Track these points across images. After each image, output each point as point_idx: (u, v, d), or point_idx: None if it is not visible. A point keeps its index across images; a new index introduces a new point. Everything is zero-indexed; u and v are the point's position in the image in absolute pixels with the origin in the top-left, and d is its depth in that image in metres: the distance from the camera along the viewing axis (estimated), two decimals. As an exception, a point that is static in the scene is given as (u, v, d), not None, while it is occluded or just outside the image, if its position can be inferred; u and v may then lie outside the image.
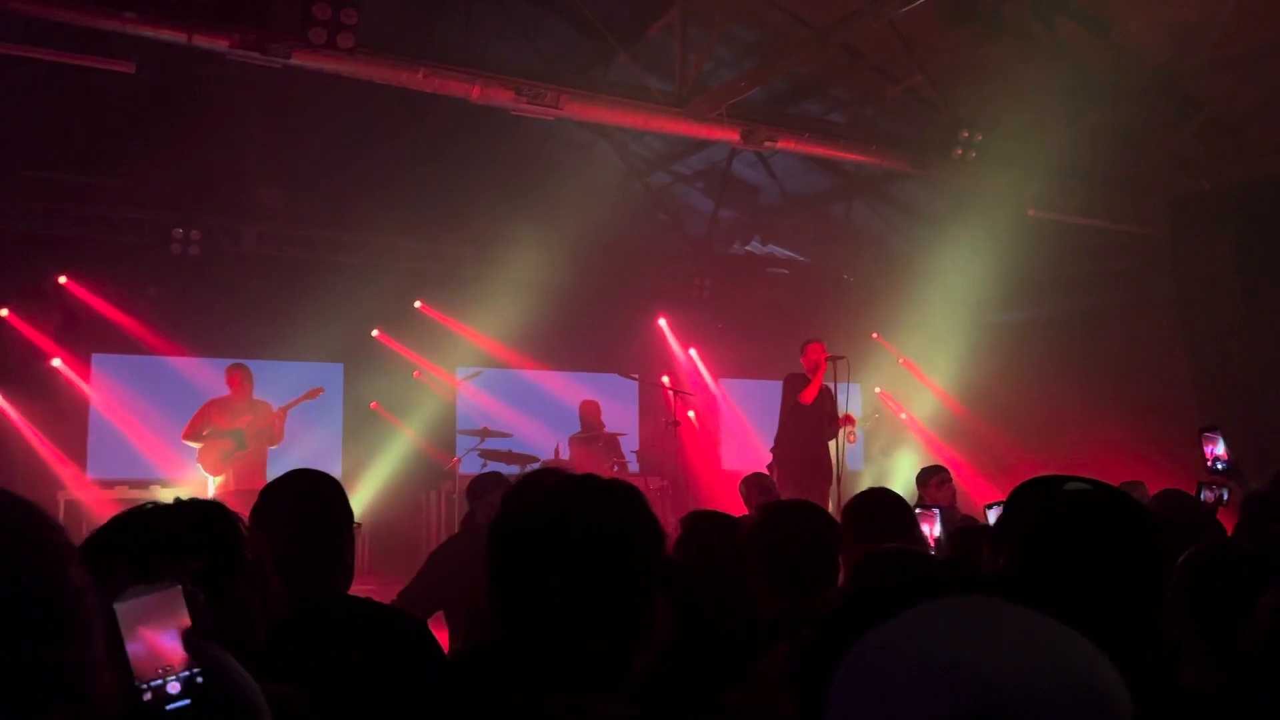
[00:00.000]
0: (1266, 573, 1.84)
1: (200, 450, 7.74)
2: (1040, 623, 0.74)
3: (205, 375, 8.80)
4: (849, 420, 7.70)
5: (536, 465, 8.70)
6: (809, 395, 7.61)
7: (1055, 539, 1.42)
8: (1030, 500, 1.52)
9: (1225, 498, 3.80)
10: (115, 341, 9.09)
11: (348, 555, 2.39)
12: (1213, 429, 3.87)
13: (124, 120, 8.20)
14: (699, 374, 11.91)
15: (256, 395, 8.14)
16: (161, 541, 1.56)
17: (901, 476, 10.62)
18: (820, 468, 7.62)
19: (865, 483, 10.93)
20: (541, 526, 1.38)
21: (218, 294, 9.29)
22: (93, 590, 0.93)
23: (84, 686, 0.90)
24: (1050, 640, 0.72)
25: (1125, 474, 5.91)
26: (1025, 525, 1.47)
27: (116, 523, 1.59)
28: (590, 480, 1.45)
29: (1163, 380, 9.15)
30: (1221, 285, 8.87)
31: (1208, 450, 3.96)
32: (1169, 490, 3.42)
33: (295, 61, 6.25)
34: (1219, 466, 3.91)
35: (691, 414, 11.29)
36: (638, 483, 9.61)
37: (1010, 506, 1.53)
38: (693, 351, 11.93)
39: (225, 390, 7.97)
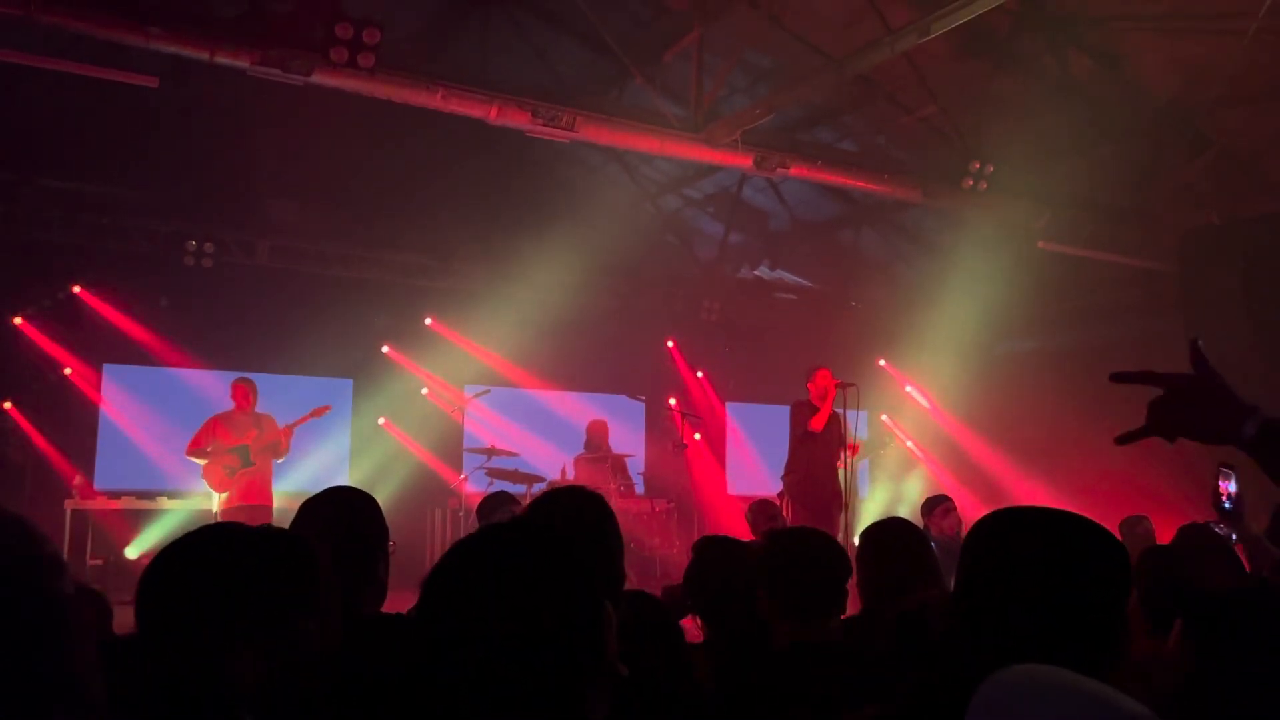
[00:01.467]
0: None
1: (205, 467, 7.75)
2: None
3: (216, 388, 8.84)
4: (854, 449, 7.69)
5: (543, 485, 8.71)
6: (819, 422, 7.60)
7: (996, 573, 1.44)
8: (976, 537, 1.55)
9: (1234, 538, 3.79)
10: (127, 352, 9.13)
11: (381, 573, 2.41)
12: (1230, 467, 3.86)
13: (140, 132, 8.28)
14: (706, 397, 11.93)
15: (265, 409, 8.16)
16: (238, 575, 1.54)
17: (908, 503, 10.61)
18: (831, 495, 7.61)
19: (871, 509, 10.91)
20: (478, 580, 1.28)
21: (229, 307, 9.34)
22: (82, 598, 0.97)
23: (81, 692, 0.93)
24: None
25: (1131, 507, 5.92)
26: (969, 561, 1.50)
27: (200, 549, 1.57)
28: (523, 530, 1.39)
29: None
30: (1231, 319, 8.88)
31: (1222, 486, 3.94)
32: (1192, 525, 3.42)
33: (316, 79, 6.31)
34: (1227, 505, 3.90)
35: (698, 437, 11.30)
36: (643, 505, 9.61)
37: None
38: (700, 374, 11.95)
39: (233, 403, 8.00)
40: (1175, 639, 1.81)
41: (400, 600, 4.41)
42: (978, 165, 7.95)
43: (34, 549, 0.93)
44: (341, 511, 2.45)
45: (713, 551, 2.97)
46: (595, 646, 1.24)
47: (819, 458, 7.63)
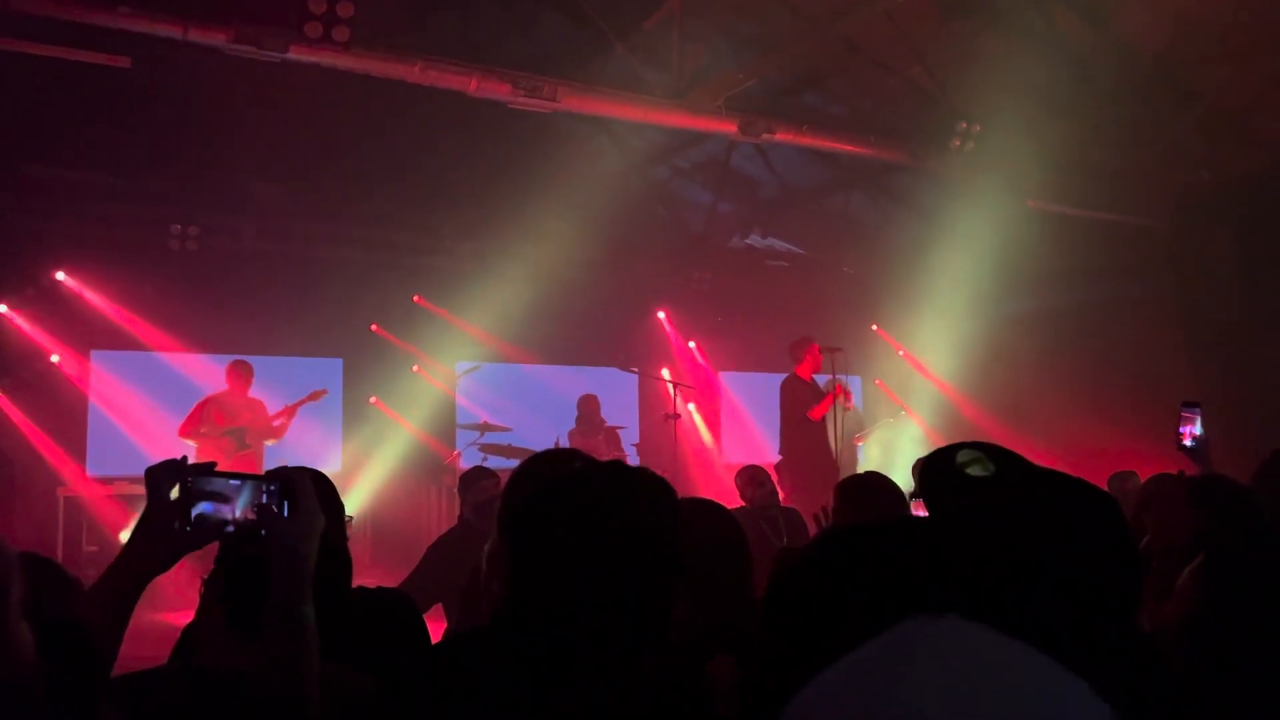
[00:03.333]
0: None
1: (199, 449, 7.73)
2: (1013, 658, 0.66)
3: (204, 371, 8.80)
4: (842, 391, 7.69)
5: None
6: (819, 413, 7.63)
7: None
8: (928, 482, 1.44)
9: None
10: (114, 338, 9.08)
11: (346, 548, 2.41)
12: (1193, 405, 3.82)
13: (122, 116, 8.18)
14: (699, 367, 11.90)
15: (255, 390, 8.13)
16: None
17: (902, 467, 10.61)
18: (827, 474, 7.63)
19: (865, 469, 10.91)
20: (570, 516, 1.39)
21: (216, 290, 9.28)
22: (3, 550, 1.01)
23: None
24: (1026, 679, 0.65)
25: (1124, 464, 5.91)
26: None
27: None
28: (619, 472, 1.46)
29: (1163, 372, 9.13)
30: (1223, 276, 8.86)
31: (1184, 429, 3.90)
32: (1161, 475, 3.40)
33: (292, 56, 6.23)
34: (1188, 444, 3.86)
35: (691, 407, 11.28)
36: (637, 476, 9.60)
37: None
38: (692, 345, 11.92)
39: (224, 386, 7.96)
40: (1185, 581, 1.78)
41: (390, 579, 4.41)
42: (965, 126, 7.89)
43: None
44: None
45: (690, 513, 2.94)
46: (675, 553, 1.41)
47: (816, 437, 7.64)
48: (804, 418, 7.63)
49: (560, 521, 1.39)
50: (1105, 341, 9.81)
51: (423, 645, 2.28)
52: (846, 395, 7.84)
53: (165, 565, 1.52)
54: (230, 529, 1.51)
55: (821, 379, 8.29)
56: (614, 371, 9.71)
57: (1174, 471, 3.55)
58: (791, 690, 0.70)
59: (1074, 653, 0.70)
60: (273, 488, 1.50)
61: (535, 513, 1.44)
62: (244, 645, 1.56)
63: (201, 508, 1.51)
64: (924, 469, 1.43)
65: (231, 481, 1.53)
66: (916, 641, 0.68)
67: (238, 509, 1.50)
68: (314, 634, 1.41)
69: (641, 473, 1.47)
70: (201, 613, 1.70)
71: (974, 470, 1.35)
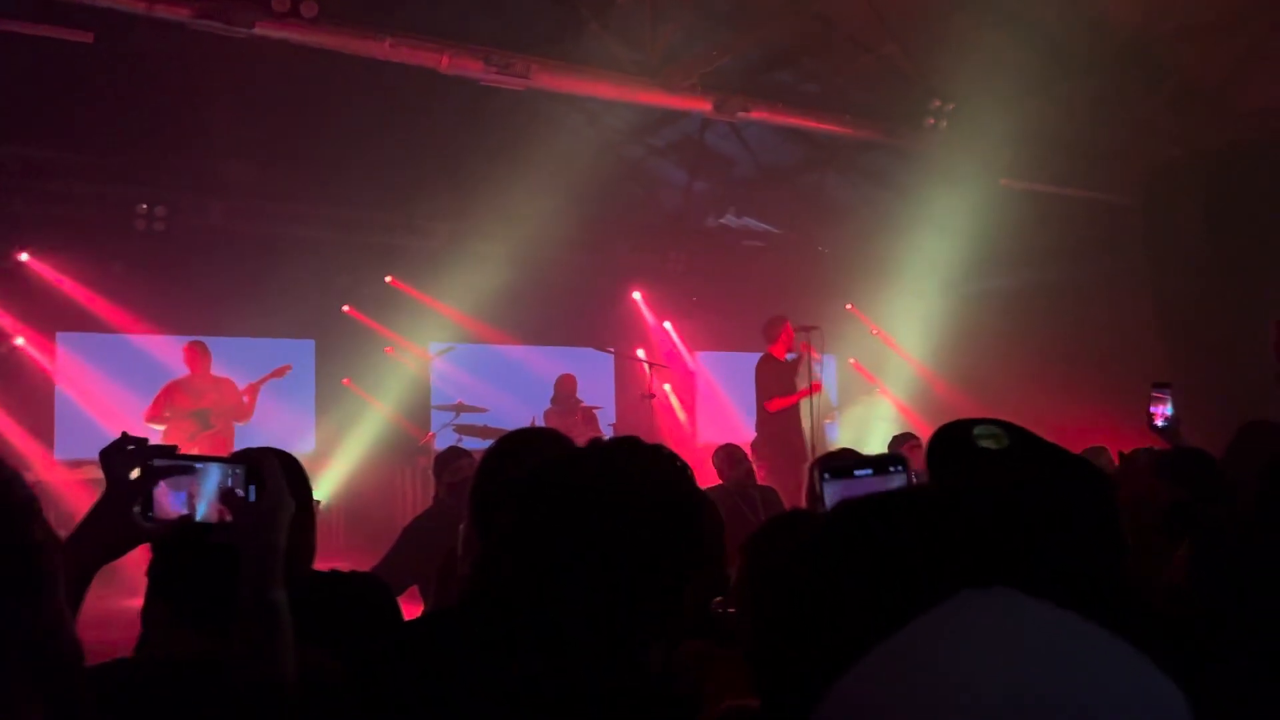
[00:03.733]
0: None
1: (165, 432, 7.64)
2: (1077, 630, 0.64)
3: (174, 354, 8.69)
4: (816, 387, 7.71)
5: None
6: (777, 405, 7.66)
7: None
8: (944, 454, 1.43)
9: None
10: (80, 320, 8.94)
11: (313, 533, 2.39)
12: (1164, 386, 3.86)
13: (85, 93, 8.02)
14: (675, 347, 11.89)
15: (227, 373, 8.03)
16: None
17: (875, 445, 10.67)
18: (799, 453, 7.68)
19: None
20: (590, 497, 1.34)
21: (185, 270, 9.15)
22: (53, 545, 0.93)
23: (45, 640, 0.90)
24: (1091, 651, 0.63)
25: (1095, 440, 5.96)
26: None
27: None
28: (642, 450, 1.41)
29: (1133, 349, 9.22)
30: (1195, 252, 8.93)
31: (1155, 409, 3.95)
32: (1137, 450, 3.43)
33: (258, 31, 6.12)
34: (1160, 424, 3.91)
35: (667, 387, 11.28)
36: (613, 456, 9.63)
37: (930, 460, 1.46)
38: (668, 325, 11.90)
39: (187, 368, 7.87)
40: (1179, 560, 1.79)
41: (364, 562, 4.37)
42: (938, 104, 7.90)
43: (3, 489, 0.88)
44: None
45: None
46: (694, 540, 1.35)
47: (789, 416, 7.67)
48: (779, 409, 7.66)
49: (563, 498, 1.35)
50: (1077, 318, 9.88)
51: (395, 628, 2.26)
52: (819, 389, 7.88)
53: (119, 551, 1.46)
54: (191, 514, 1.46)
55: (791, 356, 8.31)
56: (590, 352, 9.69)
57: (1145, 447, 3.58)
58: (822, 674, 0.67)
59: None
60: (238, 470, 1.45)
61: (537, 490, 1.38)
62: (197, 633, 1.53)
63: (161, 490, 1.47)
64: (936, 440, 1.42)
65: (195, 464, 1.47)
66: (971, 615, 0.65)
67: (201, 492, 1.46)
68: (288, 620, 1.38)
69: (653, 450, 1.41)
70: (149, 600, 1.64)
71: (988, 444, 1.35)
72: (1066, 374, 9.57)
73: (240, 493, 1.44)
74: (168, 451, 1.49)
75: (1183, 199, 9.08)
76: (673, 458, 1.42)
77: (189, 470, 1.46)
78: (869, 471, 1.48)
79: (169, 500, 1.47)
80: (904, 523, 0.85)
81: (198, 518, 1.46)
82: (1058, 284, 10.31)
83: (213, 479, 1.45)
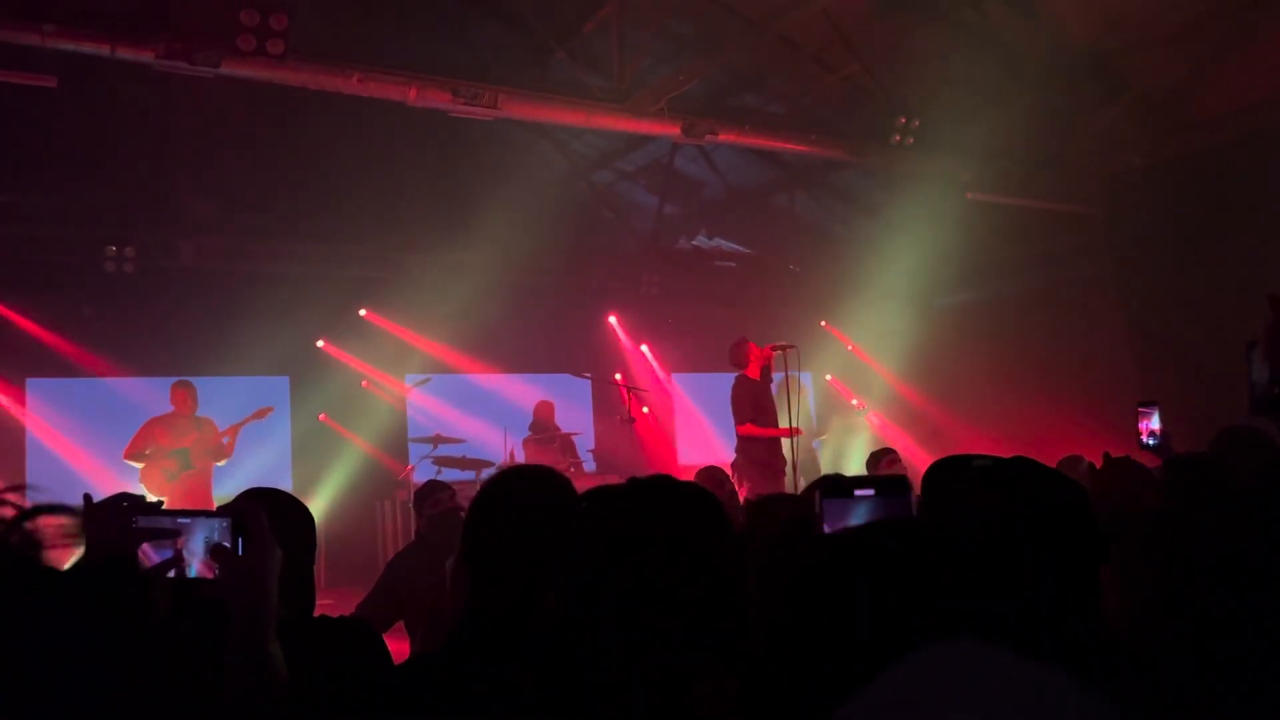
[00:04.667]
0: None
1: (143, 470, 7.55)
2: (1044, 685, 0.64)
3: (147, 395, 8.59)
4: (797, 432, 7.70)
5: (492, 470, 8.63)
6: (749, 430, 7.62)
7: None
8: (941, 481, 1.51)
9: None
10: (51, 365, 8.83)
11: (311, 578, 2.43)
12: (1150, 404, 3.95)
13: (49, 137, 7.96)
14: (652, 370, 11.90)
15: (201, 412, 7.96)
16: None
17: (855, 460, 10.71)
18: (778, 471, 7.66)
19: (823, 469, 11.00)
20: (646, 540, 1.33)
21: (156, 311, 9.07)
22: None
23: None
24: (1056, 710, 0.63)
25: (1069, 449, 6.00)
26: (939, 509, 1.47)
27: None
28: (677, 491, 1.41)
29: (1105, 356, 9.33)
30: (1158, 260, 9.06)
31: (1142, 425, 4.04)
32: (1120, 458, 3.46)
33: (225, 70, 6.11)
34: (1150, 441, 3.99)
35: (646, 410, 11.27)
36: (594, 482, 9.57)
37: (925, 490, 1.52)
38: (644, 348, 11.91)
39: (168, 408, 7.78)
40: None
41: (347, 599, 4.32)
42: (904, 120, 7.99)
43: None
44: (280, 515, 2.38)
45: None
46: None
47: (770, 438, 7.67)
48: (754, 418, 7.64)
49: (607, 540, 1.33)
50: (1047, 328, 9.99)
51: (385, 675, 2.24)
52: (799, 433, 7.85)
53: None
54: (177, 571, 1.44)
55: (778, 377, 8.29)
56: (567, 378, 9.67)
57: (1123, 454, 3.62)
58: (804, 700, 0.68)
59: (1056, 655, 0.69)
60: (224, 524, 1.43)
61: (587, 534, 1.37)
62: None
63: (144, 550, 1.44)
64: (931, 473, 1.49)
65: (180, 520, 1.45)
66: (942, 671, 0.65)
67: (189, 548, 1.44)
68: (281, 671, 1.36)
69: (681, 489, 1.40)
70: None
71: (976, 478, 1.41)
72: (1040, 382, 9.66)
73: (227, 545, 1.42)
74: (153, 508, 1.47)
75: (1145, 206, 9.22)
76: (702, 495, 1.43)
77: (174, 525, 1.44)
78: (870, 491, 1.46)
79: (154, 558, 1.44)
80: (884, 567, 0.86)
81: (189, 574, 1.44)
82: (1027, 294, 10.42)
83: (199, 534, 1.43)
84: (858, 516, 1.45)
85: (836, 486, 1.43)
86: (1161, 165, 9.04)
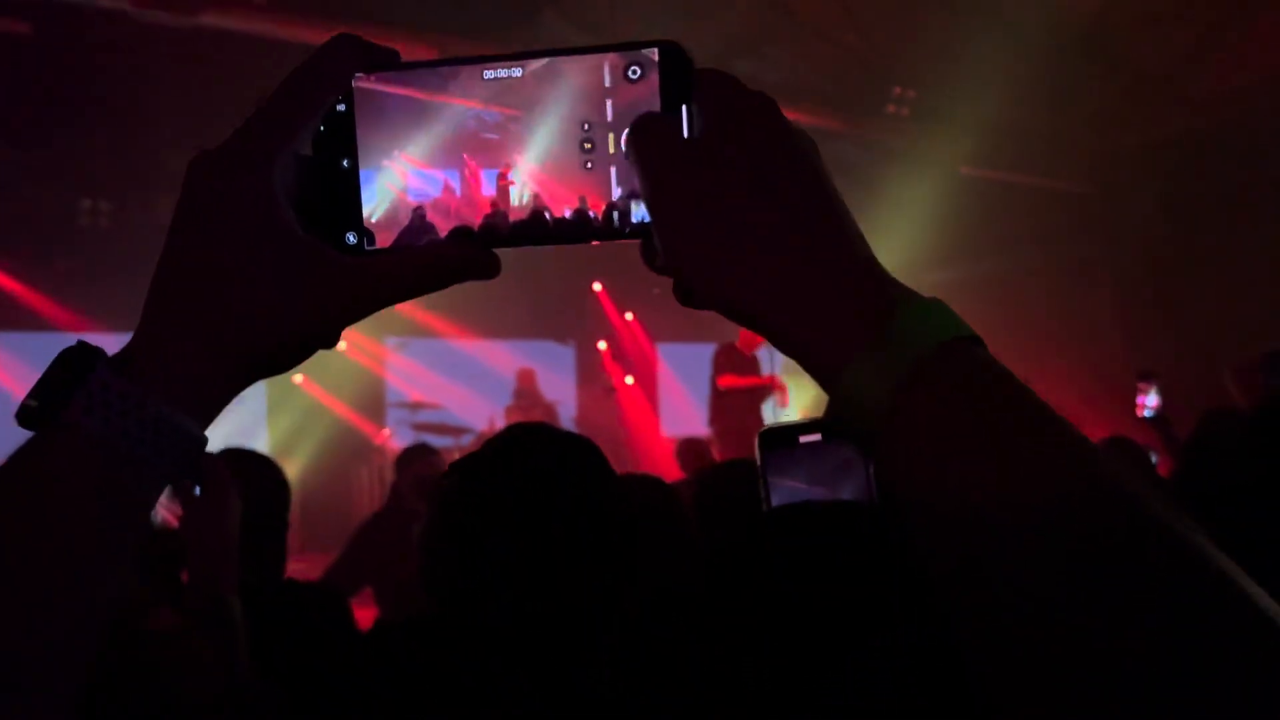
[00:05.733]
0: None
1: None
2: None
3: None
4: (781, 388, 7.62)
5: (471, 436, 8.53)
6: (727, 382, 7.52)
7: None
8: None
9: (1154, 460, 3.79)
10: (20, 319, 8.66)
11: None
12: (1149, 377, 3.87)
13: (23, 86, 7.74)
14: (637, 339, 11.80)
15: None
16: None
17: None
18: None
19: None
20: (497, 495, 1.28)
21: (132, 268, 8.81)
22: None
23: None
24: None
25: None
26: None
27: None
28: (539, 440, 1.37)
29: (1096, 335, 9.29)
30: (1152, 239, 9.00)
31: (1140, 399, 3.96)
32: (1116, 438, 3.39)
33: (205, 20, 5.94)
34: (1147, 415, 3.92)
35: (630, 380, 11.18)
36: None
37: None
38: (630, 316, 11.80)
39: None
40: None
41: (321, 562, 4.24)
42: (899, 91, 7.89)
43: None
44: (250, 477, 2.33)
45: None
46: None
47: (745, 408, 7.58)
48: (729, 387, 7.55)
49: (474, 501, 1.28)
50: (1040, 305, 9.94)
51: (346, 640, 2.17)
52: (783, 392, 7.74)
53: None
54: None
55: (763, 354, 8.21)
56: (550, 345, 9.57)
57: (1123, 434, 3.54)
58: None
59: None
60: None
61: (448, 495, 1.33)
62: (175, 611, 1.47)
63: None
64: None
65: None
66: None
67: None
68: (240, 625, 1.29)
69: (566, 439, 1.35)
70: None
71: None
72: (1031, 361, 9.60)
73: (186, 494, 1.34)
74: None
75: (1139, 185, 9.16)
76: (578, 448, 1.38)
77: None
78: (817, 437, 1.27)
79: None
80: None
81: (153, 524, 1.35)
82: (1019, 272, 10.36)
83: None
84: (806, 471, 1.26)
85: (780, 437, 1.27)
86: (1157, 144, 8.97)
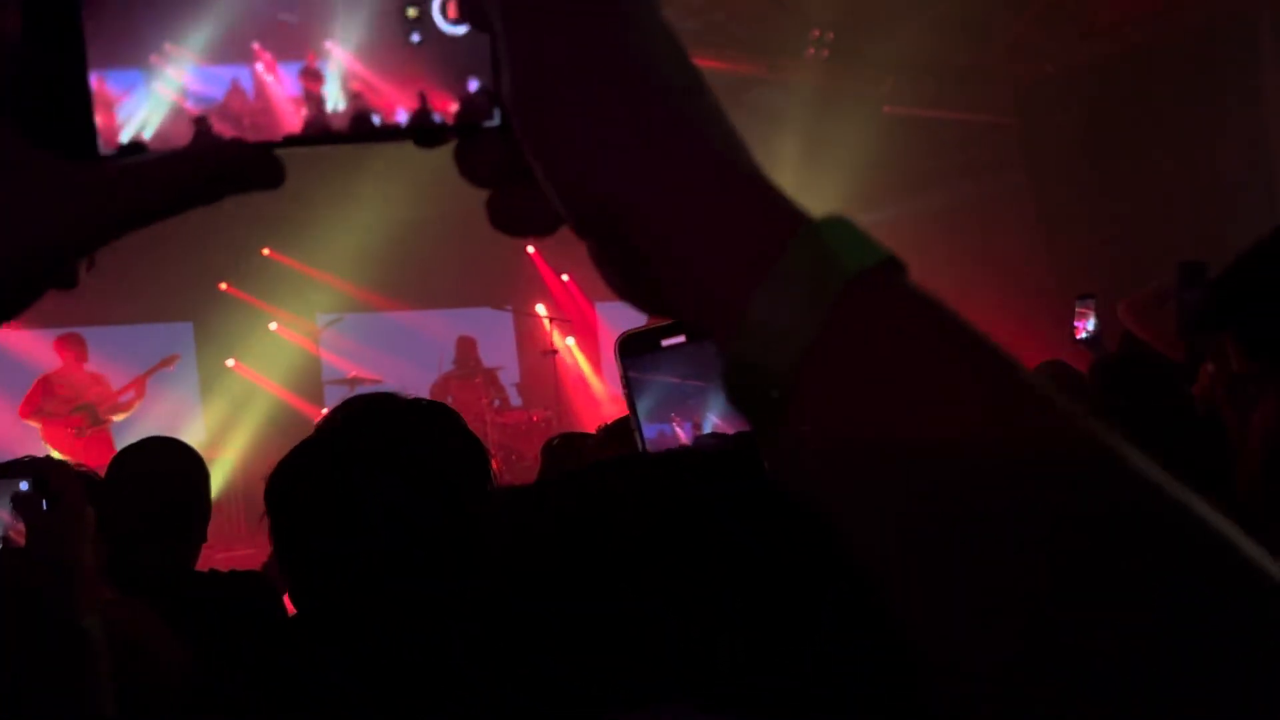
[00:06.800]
0: None
1: (46, 430, 7.18)
2: None
3: (36, 348, 8.12)
4: None
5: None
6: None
7: None
8: None
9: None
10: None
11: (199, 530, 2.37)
12: (1088, 297, 3.90)
13: None
14: (575, 300, 11.71)
15: (102, 364, 7.58)
16: None
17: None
18: None
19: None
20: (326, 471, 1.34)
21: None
22: None
23: None
24: None
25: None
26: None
27: None
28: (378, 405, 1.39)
29: (1024, 264, 9.45)
30: (1073, 167, 9.16)
31: (1078, 323, 3.98)
32: (1052, 361, 3.43)
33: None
34: (1083, 337, 3.96)
35: (571, 341, 11.11)
36: (520, 416, 9.45)
37: None
38: (566, 278, 11.70)
39: (58, 363, 7.39)
40: None
41: (267, 549, 4.19)
42: (818, 33, 7.86)
43: None
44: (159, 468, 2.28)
45: (559, 452, 2.93)
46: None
47: None
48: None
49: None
50: (968, 241, 10.06)
51: (273, 625, 2.14)
52: None
53: None
54: None
55: None
56: (487, 311, 9.46)
57: (1052, 360, 3.60)
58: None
59: None
60: (24, 485, 1.24)
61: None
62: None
63: None
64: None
65: None
66: None
67: None
68: (100, 649, 1.21)
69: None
70: None
71: None
72: (963, 295, 9.71)
73: (33, 508, 1.24)
74: None
75: (1058, 114, 9.29)
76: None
77: None
78: (681, 339, 1.06)
79: None
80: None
81: None
82: (946, 208, 10.46)
83: (4, 496, 1.24)
84: (675, 370, 1.08)
85: (640, 342, 1.08)
86: (1073, 72, 9.08)
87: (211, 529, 2.47)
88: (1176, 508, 0.33)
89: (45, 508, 1.22)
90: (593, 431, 3.36)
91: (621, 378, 1.05)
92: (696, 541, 0.71)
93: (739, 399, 0.40)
